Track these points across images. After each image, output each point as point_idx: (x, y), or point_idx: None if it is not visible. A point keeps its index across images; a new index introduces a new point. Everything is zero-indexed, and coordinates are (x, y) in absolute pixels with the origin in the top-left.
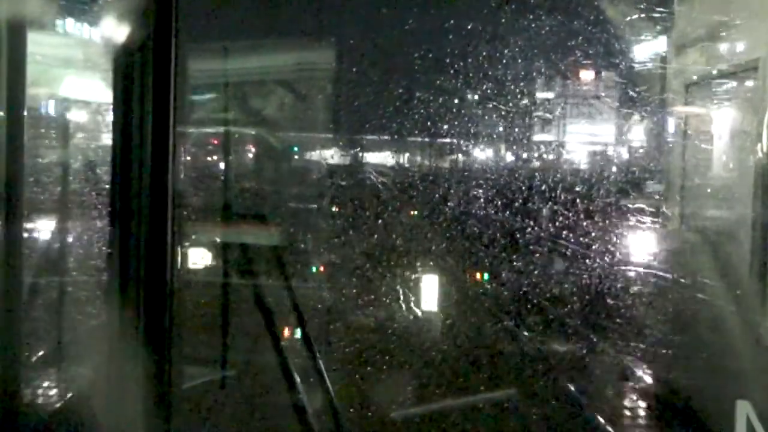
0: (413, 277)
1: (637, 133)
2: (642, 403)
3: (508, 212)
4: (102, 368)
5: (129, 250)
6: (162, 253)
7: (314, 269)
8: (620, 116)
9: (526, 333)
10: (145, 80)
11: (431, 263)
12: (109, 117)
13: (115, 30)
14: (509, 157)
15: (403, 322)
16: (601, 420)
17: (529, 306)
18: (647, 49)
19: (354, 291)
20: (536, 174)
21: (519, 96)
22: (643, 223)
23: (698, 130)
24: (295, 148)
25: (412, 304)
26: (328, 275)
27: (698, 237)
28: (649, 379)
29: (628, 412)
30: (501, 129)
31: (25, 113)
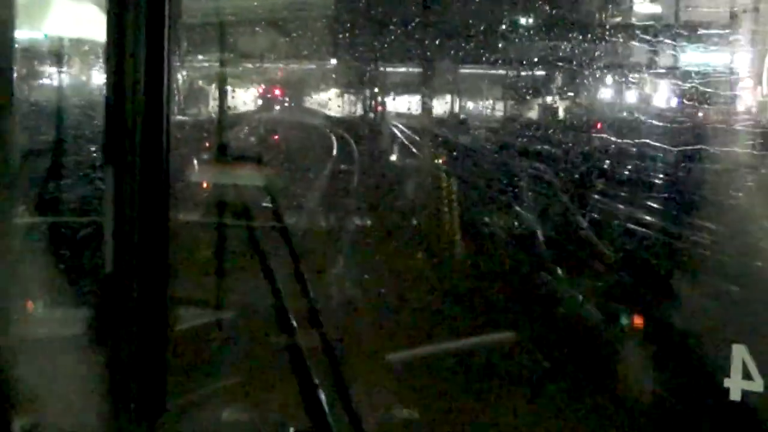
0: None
1: None
2: None
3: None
4: (96, 310)
5: (123, 189)
6: (157, 191)
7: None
8: None
9: None
10: (138, 17)
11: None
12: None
13: None
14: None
15: None
16: None
17: None
18: None
19: None
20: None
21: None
22: None
23: None
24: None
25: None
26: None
27: None
28: None
29: None
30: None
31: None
